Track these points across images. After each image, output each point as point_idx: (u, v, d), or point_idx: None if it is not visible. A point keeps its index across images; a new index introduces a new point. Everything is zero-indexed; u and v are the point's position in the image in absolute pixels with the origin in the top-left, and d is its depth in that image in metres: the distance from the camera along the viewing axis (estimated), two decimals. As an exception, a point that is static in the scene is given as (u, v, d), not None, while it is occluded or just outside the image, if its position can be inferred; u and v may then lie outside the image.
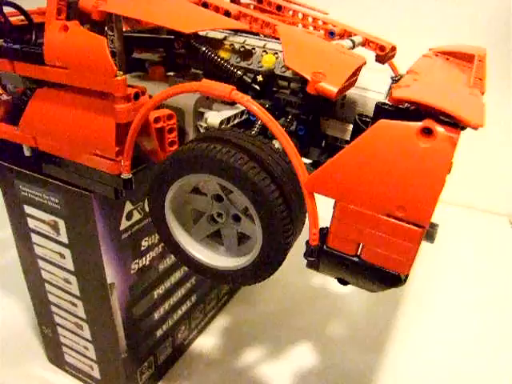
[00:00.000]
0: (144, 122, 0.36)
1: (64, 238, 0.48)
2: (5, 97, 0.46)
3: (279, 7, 0.54)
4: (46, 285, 0.55)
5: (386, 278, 0.31)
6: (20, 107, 0.44)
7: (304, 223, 0.34)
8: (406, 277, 0.31)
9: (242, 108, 0.39)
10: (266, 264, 0.34)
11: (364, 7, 0.95)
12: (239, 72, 0.39)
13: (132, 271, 0.50)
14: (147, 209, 0.47)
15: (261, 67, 0.40)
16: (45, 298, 0.56)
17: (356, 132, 0.33)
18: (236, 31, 0.43)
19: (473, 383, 0.63)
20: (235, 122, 0.39)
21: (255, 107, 0.31)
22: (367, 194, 0.29)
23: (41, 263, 0.53)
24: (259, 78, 0.39)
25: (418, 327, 0.72)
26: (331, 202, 0.31)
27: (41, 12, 0.54)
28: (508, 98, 0.96)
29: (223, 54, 0.41)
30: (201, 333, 0.69)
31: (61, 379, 0.61)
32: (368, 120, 0.34)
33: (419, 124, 0.27)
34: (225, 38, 0.42)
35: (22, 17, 0.48)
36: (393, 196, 0.28)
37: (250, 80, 0.39)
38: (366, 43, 0.50)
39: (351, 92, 0.38)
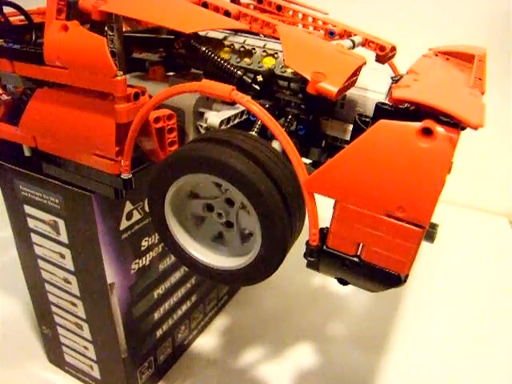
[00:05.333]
0: (144, 122, 0.36)
1: (64, 238, 0.48)
2: (5, 97, 0.46)
3: (279, 7, 0.54)
4: (46, 285, 0.55)
5: (386, 278, 0.31)
6: (20, 107, 0.44)
7: (304, 223, 0.34)
8: (406, 277, 0.31)
9: (242, 108, 0.39)
10: (266, 264, 0.34)
11: (364, 7, 0.95)
12: (239, 72, 0.39)
13: (132, 271, 0.50)
14: (147, 209, 0.47)
15: (261, 67, 0.40)
16: (45, 297, 0.56)
17: (356, 132, 0.33)
18: (236, 31, 0.43)
19: (473, 383, 0.63)
20: (235, 122, 0.39)
21: (255, 107, 0.31)
22: (367, 194, 0.29)
23: (41, 263, 0.53)
24: (259, 78, 0.39)
25: (417, 327, 0.72)
26: (331, 201, 0.31)
27: (41, 12, 0.54)
28: (508, 97, 0.96)
29: (224, 55, 0.41)
30: (201, 333, 0.69)
31: (61, 379, 0.61)
32: (368, 120, 0.34)
33: (419, 124, 0.27)
34: (225, 38, 0.42)
35: (22, 17, 0.48)
36: (393, 196, 0.28)
37: (250, 80, 0.39)
38: (365, 43, 0.50)
39: (351, 92, 0.38)
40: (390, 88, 0.38)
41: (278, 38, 0.38)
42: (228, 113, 0.38)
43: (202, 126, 0.39)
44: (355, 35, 0.50)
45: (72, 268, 0.50)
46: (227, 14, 0.44)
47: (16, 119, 0.43)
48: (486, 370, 0.65)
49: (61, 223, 0.47)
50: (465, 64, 0.44)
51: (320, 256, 0.33)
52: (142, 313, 0.54)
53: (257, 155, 0.32)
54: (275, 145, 0.36)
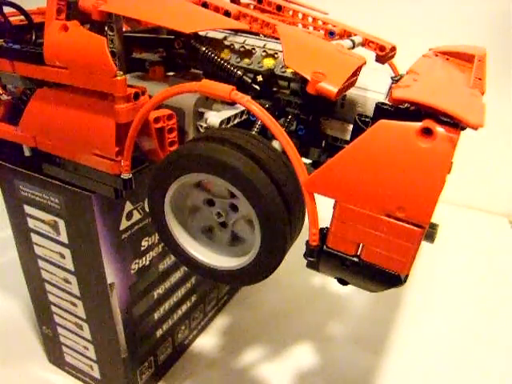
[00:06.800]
0: (144, 122, 0.36)
1: (64, 238, 0.48)
2: (5, 97, 0.46)
3: (279, 7, 0.54)
4: (46, 285, 0.55)
5: (386, 278, 0.31)
6: (20, 107, 0.44)
7: (303, 224, 0.34)
8: (406, 277, 0.31)
9: (242, 108, 0.39)
10: (265, 264, 0.34)
11: (364, 7, 0.95)
12: (239, 72, 0.39)
13: (132, 271, 0.50)
14: (147, 209, 0.47)
15: (261, 67, 0.40)
16: (45, 298, 0.56)
17: (356, 132, 0.33)
18: (236, 31, 0.43)
19: (473, 383, 0.63)
20: (235, 122, 0.39)
21: (255, 107, 0.31)
22: (367, 194, 0.29)
23: (41, 263, 0.53)
24: (259, 78, 0.39)
25: (417, 327, 0.72)
26: (331, 201, 0.31)
27: (41, 12, 0.54)
28: (508, 97, 0.96)
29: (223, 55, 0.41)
30: (201, 333, 0.69)
31: (61, 379, 0.61)
32: (368, 120, 0.34)
33: (419, 124, 0.27)
34: (225, 38, 0.42)
35: (22, 17, 0.48)
36: (393, 196, 0.28)
37: (250, 80, 0.39)
38: (365, 43, 0.50)
39: (351, 92, 0.38)
40: (390, 88, 0.38)
41: (278, 38, 0.38)
42: (228, 113, 0.38)
43: (202, 126, 0.39)
44: (355, 35, 0.50)
45: (72, 268, 0.50)
46: (227, 14, 0.44)
47: (16, 119, 0.43)
48: (486, 370, 0.65)
49: (61, 223, 0.47)
50: (465, 64, 0.44)
51: (320, 256, 0.33)
52: (142, 313, 0.54)
53: (256, 154, 0.32)
54: (275, 145, 0.36)
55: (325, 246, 0.32)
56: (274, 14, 0.54)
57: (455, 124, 0.26)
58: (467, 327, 0.73)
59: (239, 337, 0.69)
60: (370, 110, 0.37)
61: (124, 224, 0.47)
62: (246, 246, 0.36)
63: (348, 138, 0.38)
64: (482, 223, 1.04)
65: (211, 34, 0.43)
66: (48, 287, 0.55)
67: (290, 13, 0.54)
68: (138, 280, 0.51)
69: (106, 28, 0.38)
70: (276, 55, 0.40)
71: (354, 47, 0.47)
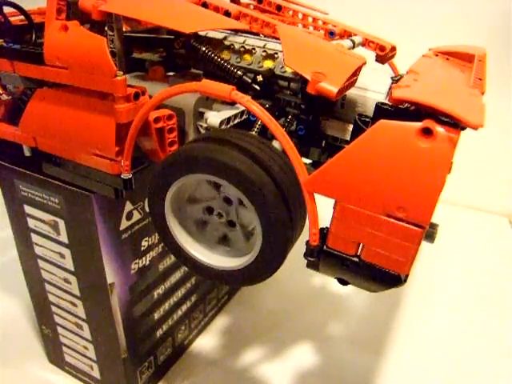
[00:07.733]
0: (144, 122, 0.36)
1: (64, 238, 0.48)
2: (5, 97, 0.46)
3: (279, 7, 0.54)
4: (46, 285, 0.55)
5: (386, 278, 0.31)
6: (20, 107, 0.44)
7: (304, 223, 0.34)
8: (406, 277, 0.31)
9: (242, 108, 0.39)
10: (267, 264, 0.34)
11: (364, 7, 0.95)
12: (239, 72, 0.39)
13: (132, 271, 0.50)
14: (147, 209, 0.47)
15: (261, 67, 0.40)
16: (45, 297, 0.56)
17: (356, 132, 0.33)
18: (236, 31, 0.43)
19: (473, 383, 0.63)
20: (235, 122, 0.39)
21: (255, 107, 0.31)
22: (367, 195, 0.29)
23: (41, 263, 0.53)
24: (259, 78, 0.39)
25: (417, 327, 0.72)
26: (331, 201, 0.31)
27: (41, 12, 0.54)
28: (508, 98, 0.96)
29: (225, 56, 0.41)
30: (201, 333, 0.69)
31: (61, 379, 0.61)
32: (368, 120, 0.34)
33: (419, 124, 0.27)
34: (225, 38, 0.42)
35: (22, 17, 0.48)
36: (393, 196, 0.28)
37: (249, 80, 0.39)
38: (366, 43, 0.50)
39: (351, 92, 0.38)
40: (390, 88, 0.38)
41: (278, 38, 0.38)
42: (228, 113, 0.38)
43: (202, 126, 0.39)
44: (355, 35, 0.50)
45: (72, 268, 0.50)
46: (227, 14, 0.44)
47: (16, 119, 0.44)
48: (486, 370, 0.65)
49: (61, 223, 0.47)
50: (465, 64, 0.44)
51: (320, 256, 0.33)
52: (141, 313, 0.54)
53: (257, 155, 0.32)
54: (275, 145, 0.36)
55: (325, 246, 0.32)
56: (274, 14, 0.54)
57: (455, 124, 0.26)
58: (467, 327, 0.73)
59: (239, 337, 0.69)
60: (370, 110, 0.37)
61: (124, 224, 0.47)
62: (232, 250, 0.37)
63: (348, 137, 0.38)
64: (481, 223, 1.04)
65: (211, 34, 0.43)
66: (48, 287, 0.55)
67: (290, 13, 0.54)
68: (137, 280, 0.51)
69: (106, 28, 0.38)
70: (276, 55, 0.40)
71: (354, 47, 0.47)
